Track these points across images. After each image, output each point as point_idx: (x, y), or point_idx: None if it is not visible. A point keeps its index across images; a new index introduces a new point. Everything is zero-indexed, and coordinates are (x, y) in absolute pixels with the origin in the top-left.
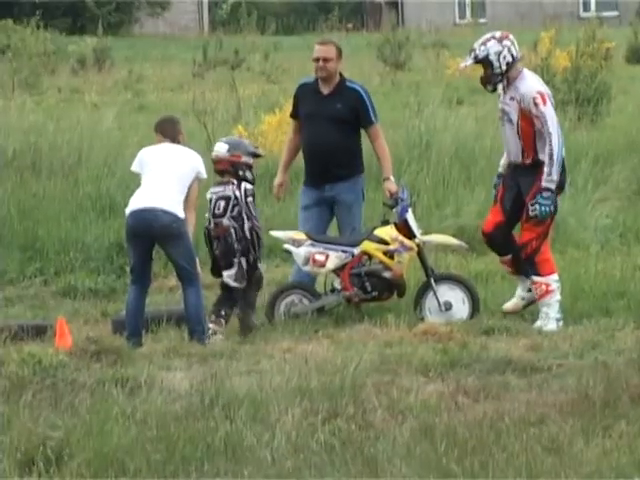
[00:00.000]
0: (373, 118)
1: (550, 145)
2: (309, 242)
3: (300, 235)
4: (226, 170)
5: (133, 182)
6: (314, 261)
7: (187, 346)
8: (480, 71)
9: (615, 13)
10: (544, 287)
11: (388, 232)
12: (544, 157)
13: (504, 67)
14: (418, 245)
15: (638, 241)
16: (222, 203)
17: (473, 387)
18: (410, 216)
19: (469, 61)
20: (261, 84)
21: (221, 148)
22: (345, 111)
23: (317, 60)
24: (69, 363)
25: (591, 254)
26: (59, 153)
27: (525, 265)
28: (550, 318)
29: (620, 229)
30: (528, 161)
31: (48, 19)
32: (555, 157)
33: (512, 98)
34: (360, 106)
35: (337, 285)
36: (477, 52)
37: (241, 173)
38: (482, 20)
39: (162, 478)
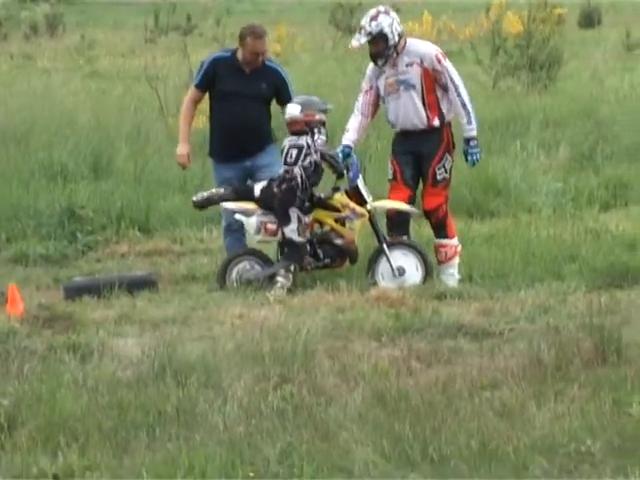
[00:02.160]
0: (292, 95)
1: (460, 96)
2: (260, 211)
3: (250, 204)
4: (302, 130)
5: (86, 148)
6: (266, 229)
7: (139, 313)
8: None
9: None
10: (453, 249)
11: (339, 199)
12: (456, 110)
13: (397, 38)
14: (369, 211)
15: (589, 205)
16: (294, 152)
17: (425, 352)
18: (361, 182)
19: (363, 39)
20: (213, 49)
21: (294, 109)
22: (269, 90)
23: (255, 55)
24: (20, 330)
25: (542, 218)
26: (11, 119)
27: (436, 229)
28: (455, 278)
29: (572, 193)
30: (434, 122)
31: None
32: (468, 106)
33: (409, 64)
34: (281, 84)
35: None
36: (370, 28)
37: (317, 130)
38: None
39: (114, 444)
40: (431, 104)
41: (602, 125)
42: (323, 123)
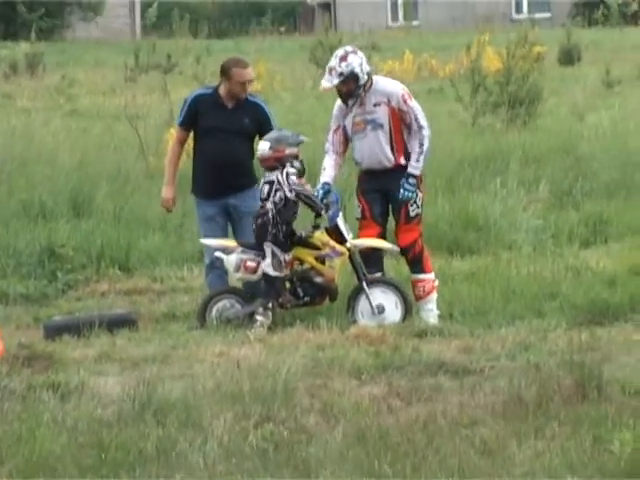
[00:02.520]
0: (274, 128)
1: (421, 135)
2: (240, 249)
3: (231, 242)
4: (273, 166)
5: (65, 187)
6: (245, 267)
7: (119, 351)
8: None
9: (547, 15)
10: (431, 283)
11: (319, 237)
12: (412, 146)
13: (365, 77)
14: (349, 249)
15: (570, 242)
16: (266, 188)
17: (405, 390)
18: (341, 221)
19: (335, 80)
20: (193, 87)
21: (264, 146)
22: (252, 125)
23: (244, 83)
24: (0, 369)
25: (523, 255)
26: None
27: (413, 265)
28: (434, 313)
29: (552, 230)
30: (401, 161)
31: None
32: (424, 146)
33: (377, 104)
34: (264, 119)
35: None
36: (341, 69)
37: (288, 165)
38: (415, 23)
39: None
40: (398, 143)
41: (582, 161)
42: (296, 157)
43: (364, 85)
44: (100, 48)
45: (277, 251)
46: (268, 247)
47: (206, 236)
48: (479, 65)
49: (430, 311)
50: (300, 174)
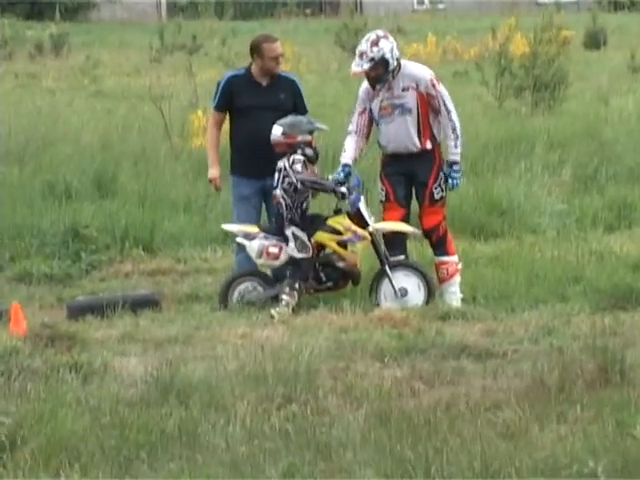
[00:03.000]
0: (307, 105)
1: (452, 121)
2: (262, 235)
3: (252, 228)
4: (285, 152)
5: (90, 168)
6: (268, 254)
7: (142, 332)
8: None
9: None
10: (454, 266)
11: (341, 222)
12: (446, 133)
13: (395, 63)
14: (371, 233)
15: (594, 226)
16: (276, 175)
17: (428, 373)
18: (363, 205)
19: (365, 65)
20: (219, 69)
21: (277, 131)
22: (288, 100)
23: (277, 57)
24: (23, 349)
25: (547, 239)
26: (16, 138)
27: (436, 247)
28: (457, 297)
29: (576, 214)
30: (427, 146)
31: (6, 5)
32: (458, 131)
33: (405, 89)
34: (297, 95)
35: None
36: (372, 54)
37: (300, 152)
38: (440, 6)
39: (116, 464)
40: (425, 128)
41: (606, 146)
42: (309, 144)
43: (393, 70)
44: (125, 29)
45: (298, 232)
46: (289, 230)
47: (239, 216)
48: (507, 49)
49: (453, 294)
50: (311, 161)
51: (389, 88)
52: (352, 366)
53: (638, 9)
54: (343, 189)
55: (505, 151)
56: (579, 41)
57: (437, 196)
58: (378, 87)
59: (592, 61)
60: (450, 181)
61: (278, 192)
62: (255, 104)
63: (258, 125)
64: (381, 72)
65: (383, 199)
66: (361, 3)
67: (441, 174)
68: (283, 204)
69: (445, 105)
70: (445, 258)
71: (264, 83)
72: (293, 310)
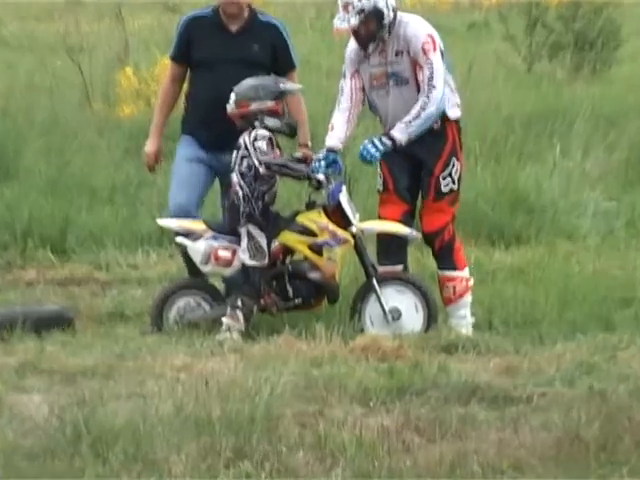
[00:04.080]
0: (294, 60)
1: (430, 95)
2: (210, 234)
3: (198, 224)
4: (241, 126)
5: None
6: (217, 259)
7: (48, 360)
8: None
9: None
10: (464, 283)
11: (315, 219)
12: (410, 110)
13: (392, 14)
14: (355, 235)
15: None
16: (234, 154)
17: (427, 421)
18: (344, 198)
19: (353, 20)
20: (156, 13)
21: (230, 101)
22: (263, 53)
23: None
24: None
25: (588, 248)
26: None
27: (441, 258)
28: (468, 322)
29: (627, 215)
30: (436, 124)
31: None
32: (427, 111)
33: (399, 52)
34: (280, 45)
35: None
36: (361, 4)
37: (257, 124)
38: None
39: None
40: None
41: None
42: (270, 111)
43: (389, 24)
44: None
45: (255, 232)
46: (243, 228)
47: (178, 183)
48: None
49: (462, 318)
50: (285, 133)
51: (382, 50)
52: (326, 411)
53: None
54: (320, 175)
55: (535, 129)
56: None
57: (445, 188)
58: (371, 47)
59: None
60: (361, 148)
61: (234, 177)
62: (218, 55)
63: (220, 83)
64: (373, 27)
65: (380, 188)
66: None
67: (453, 160)
68: (240, 193)
69: (430, 80)
70: (452, 273)
71: (233, 29)
72: (248, 336)
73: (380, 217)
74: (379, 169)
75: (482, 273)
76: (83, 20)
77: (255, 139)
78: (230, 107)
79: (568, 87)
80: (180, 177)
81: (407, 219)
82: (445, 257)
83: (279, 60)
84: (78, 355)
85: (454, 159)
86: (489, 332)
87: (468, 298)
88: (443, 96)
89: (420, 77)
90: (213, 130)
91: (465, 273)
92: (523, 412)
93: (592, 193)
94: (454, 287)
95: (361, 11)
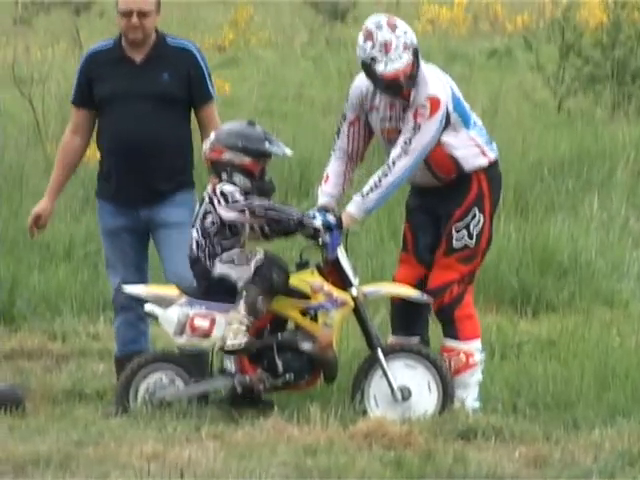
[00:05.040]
0: (212, 90)
1: (392, 164)
2: (184, 299)
3: (170, 289)
4: (213, 172)
5: None
6: (193, 329)
7: None
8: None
9: None
10: (463, 357)
11: (308, 279)
12: (377, 173)
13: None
14: (355, 298)
15: None
16: (196, 209)
17: None
18: (342, 254)
19: (405, 56)
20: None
21: (208, 141)
22: (175, 83)
23: (128, 14)
24: None
25: (631, 316)
26: None
27: (442, 323)
28: (468, 407)
29: None
30: (453, 176)
31: None
32: (386, 181)
33: (405, 109)
34: (195, 73)
35: (229, 364)
36: (405, 39)
37: (225, 177)
38: None
39: None
40: (440, 160)
41: None
42: (242, 169)
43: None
44: None
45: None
46: (217, 268)
47: (107, 259)
48: (573, 16)
49: (462, 401)
50: (260, 193)
51: (392, 103)
52: None
53: None
54: (317, 222)
55: (569, 177)
56: None
57: (457, 243)
58: (377, 100)
59: None
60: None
61: (194, 233)
62: (120, 91)
63: (124, 125)
64: (415, 69)
65: (402, 247)
66: None
67: (475, 212)
68: (195, 250)
69: (407, 144)
70: (451, 342)
71: (138, 59)
72: (230, 420)
73: (394, 280)
74: (403, 226)
75: (505, 346)
76: (34, 44)
77: (222, 193)
78: (204, 148)
79: (607, 127)
80: (106, 256)
81: (423, 285)
82: (444, 322)
83: (192, 91)
84: (29, 441)
85: (476, 210)
86: (514, 416)
87: (470, 378)
88: (412, 166)
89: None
90: (123, 181)
91: (469, 346)
92: None
93: (636, 252)
94: (450, 360)
95: (407, 47)
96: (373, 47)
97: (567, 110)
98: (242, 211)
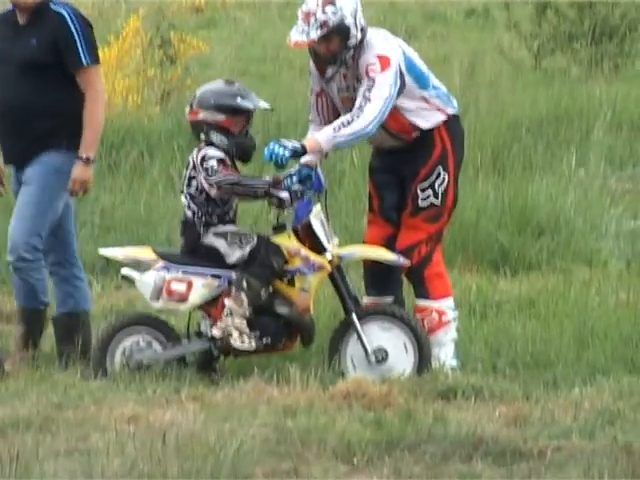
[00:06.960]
0: (84, 57)
1: (359, 109)
2: (161, 264)
3: (146, 253)
4: (194, 134)
5: None
6: (170, 293)
7: None
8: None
9: None
10: (436, 316)
11: (285, 243)
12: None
13: (360, 35)
14: (331, 262)
15: None
16: (184, 172)
17: None
18: (316, 218)
19: (314, 33)
20: None
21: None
22: (42, 49)
23: None
24: None
25: (609, 275)
26: None
27: (412, 283)
28: (447, 367)
29: None
30: (414, 135)
31: None
32: (355, 125)
33: (359, 79)
34: (63, 37)
35: (206, 327)
36: (326, 16)
37: (203, 137)
38: None
39: None
40: (398, 123)
41: None
42: (219, 127)
43: (354, 46)
44: None
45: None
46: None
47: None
48: None
49: (439, 360)
50: (234, 156)
51: (345, 74)
52: (302, 469)
53: None
54: (283, 193)
55: (546, 136)
56: None
57: (422, 203)
58: (330, 71)
59: None
60: (269, 146)
61: (183, 199)
62: (2, 54)
63: (2, 89)
64: (335, 47)
65: (368, 208)
66: None
67: (439, 170)
68: (191, 216)
69: (368, 91)
70: (423, 302)
71: (21, 21)
72: (210, 382)
73: (364, 242)
74: (367, 186)
75: (485, 306)
76: None
77: (203, 159)
78: (186, 111)
79: (585, 86)
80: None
81: (392, 244)
82: (414, 282)
83: (63, 57)
84: (8, 404)
85: (440, 169)
86: (494, 375)
87: (444, 337)
88: (377, 117)
89: (363, 87)
90: (4, 146)
91: (440, 304)
92: (535, 469)
93: (614, 211)
94: (423, 320)
95: (324, 24)
96: (300, 15)
97: (544, 69)
98: (216, 185)
